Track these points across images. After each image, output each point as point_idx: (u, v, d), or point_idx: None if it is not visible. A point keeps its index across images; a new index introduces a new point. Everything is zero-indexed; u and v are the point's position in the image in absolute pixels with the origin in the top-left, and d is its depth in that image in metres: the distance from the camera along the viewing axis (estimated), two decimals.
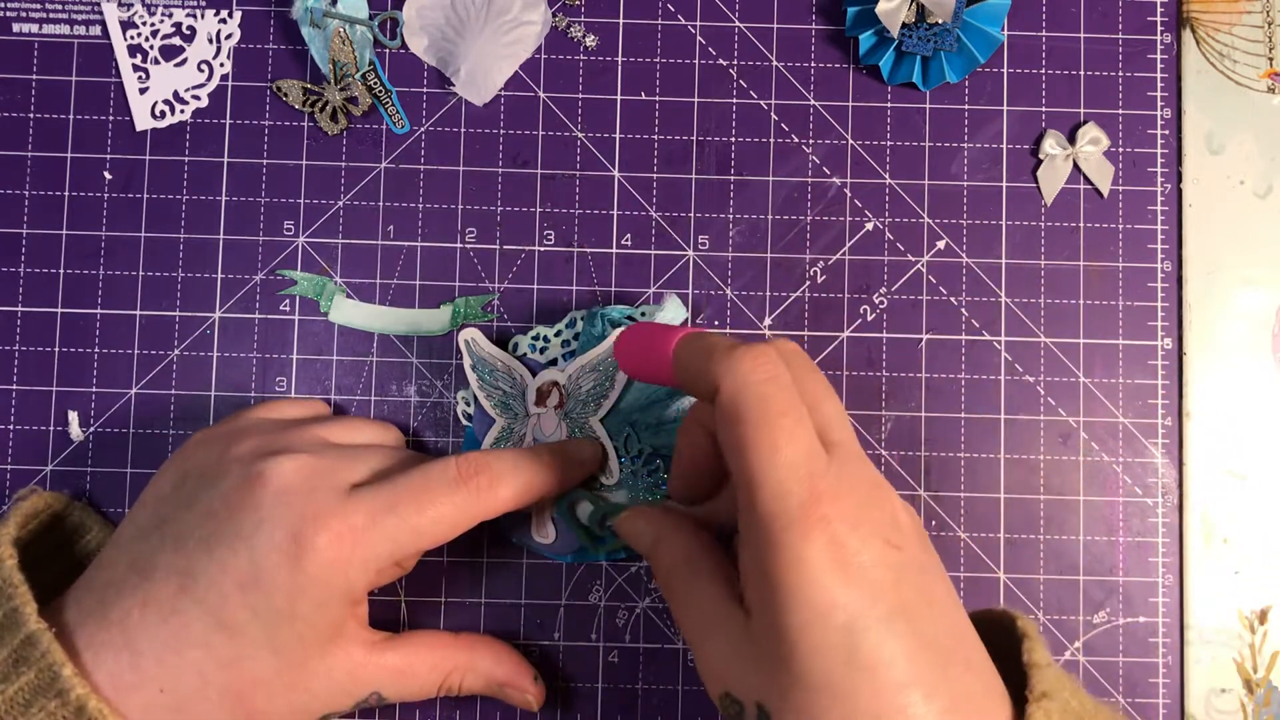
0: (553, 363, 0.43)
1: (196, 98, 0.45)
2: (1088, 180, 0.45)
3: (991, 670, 0.31)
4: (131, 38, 0.45)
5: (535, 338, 0.43)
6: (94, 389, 0.44)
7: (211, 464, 0.37)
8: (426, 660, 0.39)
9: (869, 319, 0.45)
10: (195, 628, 0.34)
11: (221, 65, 0.45)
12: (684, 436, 0.37)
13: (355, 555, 0.34)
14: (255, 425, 0.40)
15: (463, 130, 0.45)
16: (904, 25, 0.44)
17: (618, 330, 0.41)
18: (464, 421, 0.43)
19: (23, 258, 0.44)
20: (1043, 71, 0.45)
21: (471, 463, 0.37)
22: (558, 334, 0.43)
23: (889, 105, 0.45)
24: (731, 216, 0.45)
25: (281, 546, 0.34)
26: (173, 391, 0.44)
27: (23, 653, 0.32)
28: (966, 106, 0.45)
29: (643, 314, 0.43)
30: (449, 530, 0.36)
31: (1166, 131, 0.45)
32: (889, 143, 0.45)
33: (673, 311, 0.42)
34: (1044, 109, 0.45)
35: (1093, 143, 0.45)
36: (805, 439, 0.30)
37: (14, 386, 0.44)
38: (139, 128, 0.45)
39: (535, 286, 0.45)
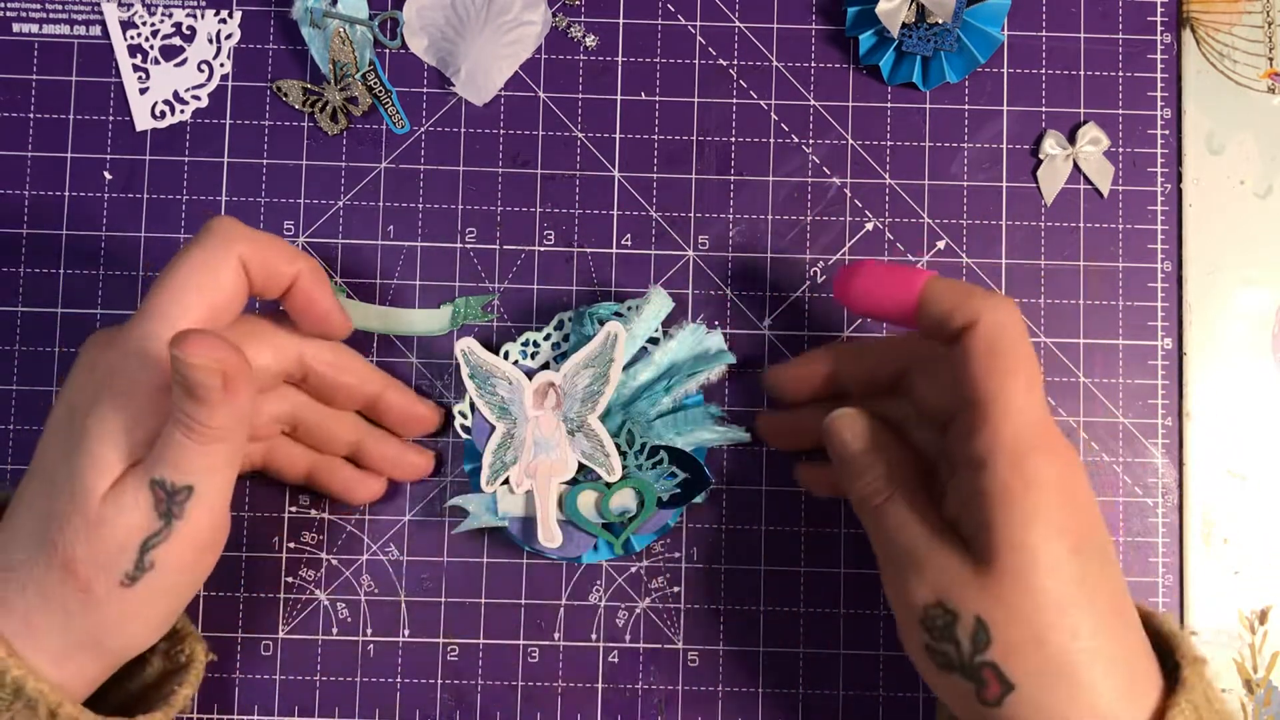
0: (545, 366, 0.43)
1: (196, 98, 0.45)
2: (1088, 180, 0.45)
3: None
4: (131, 38, 0.45)
5: (525, 343, 0.43)
6: None
7: None
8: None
9: (869, 319, 0.45)
10: (26, 495, 0.35)
11: (221, 65, 0.45)
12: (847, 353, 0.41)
13: (129, 348, 0.35)
14: None
15: (463, 130, 0.45)
16: (904, 25, 0.44)
17: (610, 326, 0.41)
18: (462, 435, 0.43)
19: (23, 258, 0.44)
20: (1043, 71, 0.45)
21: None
22: (547, 337, 0.43)
23: (889, 105, 0.45)
24: (731, 216, 0.45)
25: (73, 377, 0.36)
26: None
27: None
28: (966, 106, 0.45)
29: (629, 308, 0.43)
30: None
31: (1166, 131, 0.45)
32: (889, 143, 0.45)
33: (658, 304, 0.42)
34: (1044, 109, 0.45)
35: (1093, 143, 0.45)
36: (1042, 383, 0.34)
37: (14, 386, 0.44)
38: (139, 128, 0.45)
39: (535, 286, 0.45)
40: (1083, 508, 0.33)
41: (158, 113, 0.45)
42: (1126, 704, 0.32)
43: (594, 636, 0.44)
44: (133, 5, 0.45)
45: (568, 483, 0.42)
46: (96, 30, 0.45)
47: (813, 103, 0.45)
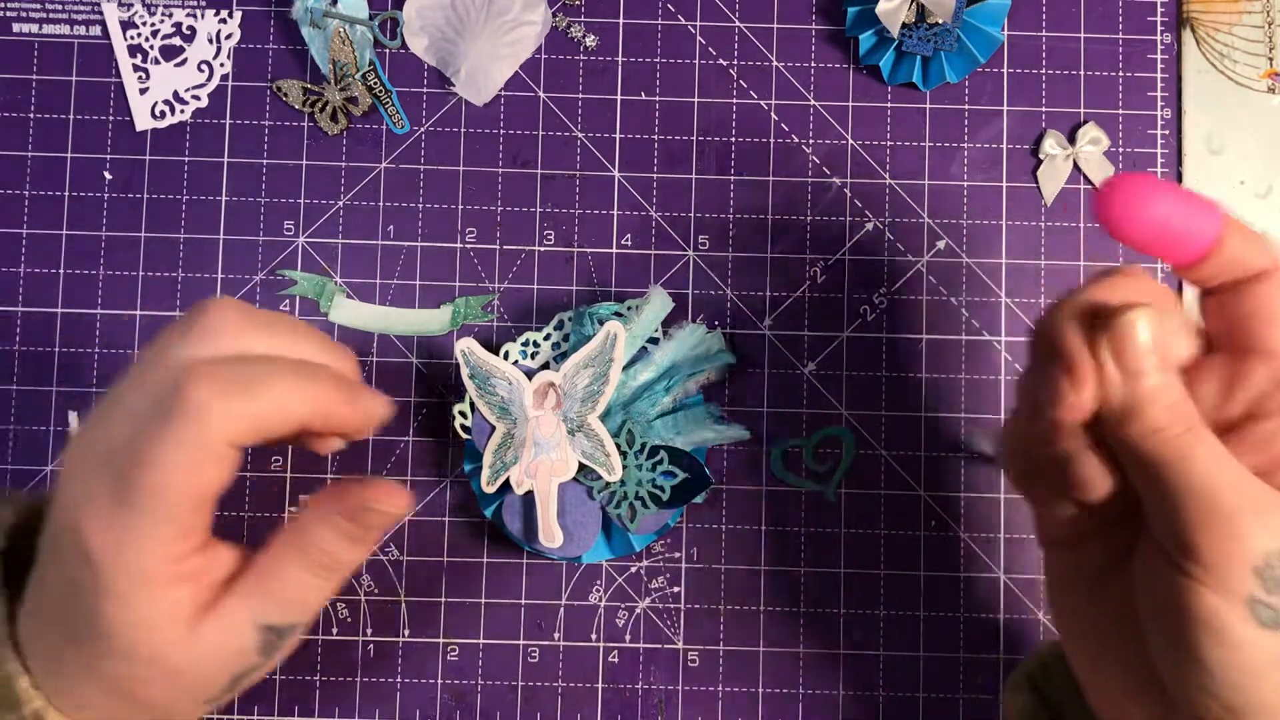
0: (545, 366, 0.43)
1: (196, 98, 0.45)
2: (1088, 180, 0.45)
3: None
4: (131, 38, 0.45)
5: (525, 343, 0.43)
6: (94, 389, 0.44)
7: None
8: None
9: (869, 319, 0.45)
10: (56, 620, 0.30)
11: (221, 65, 0.45)
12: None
13: (123, 542, 0.29)
14: None
15: (463, 130, 0.45)
16: (904, 25, 0.44)
17: (609, 325, 0.41)
18: (462, 435, 0.43)
19: (23, 258, 0.44)
20: (1043, 71, 0.45)
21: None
22: (547, 337, 0.43)
23: (889, 105, 0.45)
24: (731, 216, 0.45)
25: (63, 551, 0.30)
26: None
27: None
28: (966, 106, 0.45)
29: (629, 308, 0.43)
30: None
31: (1166, 131, 0.45)
32: (889, 143, 0.45)
33: (658, 304, 0.42)
34: (1044, 109, 0.45)
35: (1093, 143, 0.45)
36: None
37: (14, 386, 0.44)
38: (139, 128, 0.45)
39: (535, 286, 0.45)
40: None
41: (158, 113, 0.45)
42: None
43: (594, 636, 0.44)
44: (133, 5, 0.45)
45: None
46: (96, 30, 0.45)
47: (813, 103, 0.45)
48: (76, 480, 0.29)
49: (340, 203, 0.45)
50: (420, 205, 0.45)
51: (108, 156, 0.45)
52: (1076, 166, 0.45)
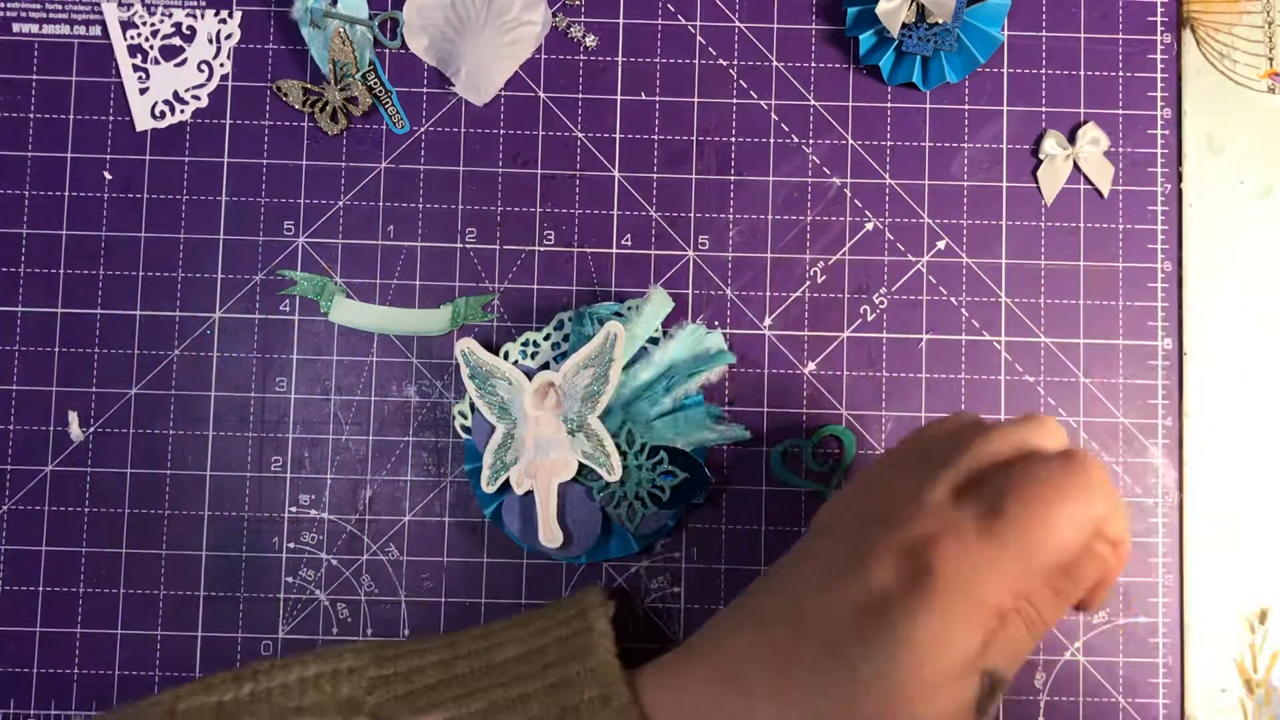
0: (545, 366, 0.43)
1: (196, 98, 0.45)
2: (1088, 180, 0.45)
3: None
4: (131, 38, 0.45)
5: (525, 343, 0.43)
6: (94, 389, 0.44)
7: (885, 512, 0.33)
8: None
9: (869, 319, 0.45)
10: (806, 660, 0.31)
11: (221, 65, 0.45)
12: None
13: (986, 574, 0.30)
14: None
15: (463, 130, 0.45)
16: (904, 25, 0.44)
17: (609, 325, 0.41)
18: (462, 435, 0.43)
19: (23, 258, 0.44)
20: (1043, 71, 0.45)
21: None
22: (547, 337, 0.43)
23: (889, 105, 0.45)
24: (731, 216, 0.45)
25: (878, 565, 0.31)
26: (173, 392, 0.44)
27: None
28: (966, 106, 0.45)
29: (629, 308, 0.43)
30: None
31: (1166, 131, 0.45)
32: (889, 143, 0.45)
33: (658, 304, 0.42)
34: (1044, 109, 0.45)
35: (1093, 143, 0.45)
36: None
37: (14, 386, 0.44)
38: (139, 128, 0.45)
39: (535, 286, 0.45)
40: None
41: (158, 113, 0.45)
42: None
43: None
44: (133, 5, 0.45)
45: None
46: (96, 30, 0.45)
47: (813, 103, 0.45)
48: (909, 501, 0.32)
49: (340, 203, 0.45)
50: (420, 205, 0.45)
51: (108, 156, 0.45)
52: (1076, 166, 0.45)
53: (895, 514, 0.32)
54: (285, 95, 0.45)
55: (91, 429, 0.44)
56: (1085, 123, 0.45)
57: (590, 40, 0.45)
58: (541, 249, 0.45)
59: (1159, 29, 0.46)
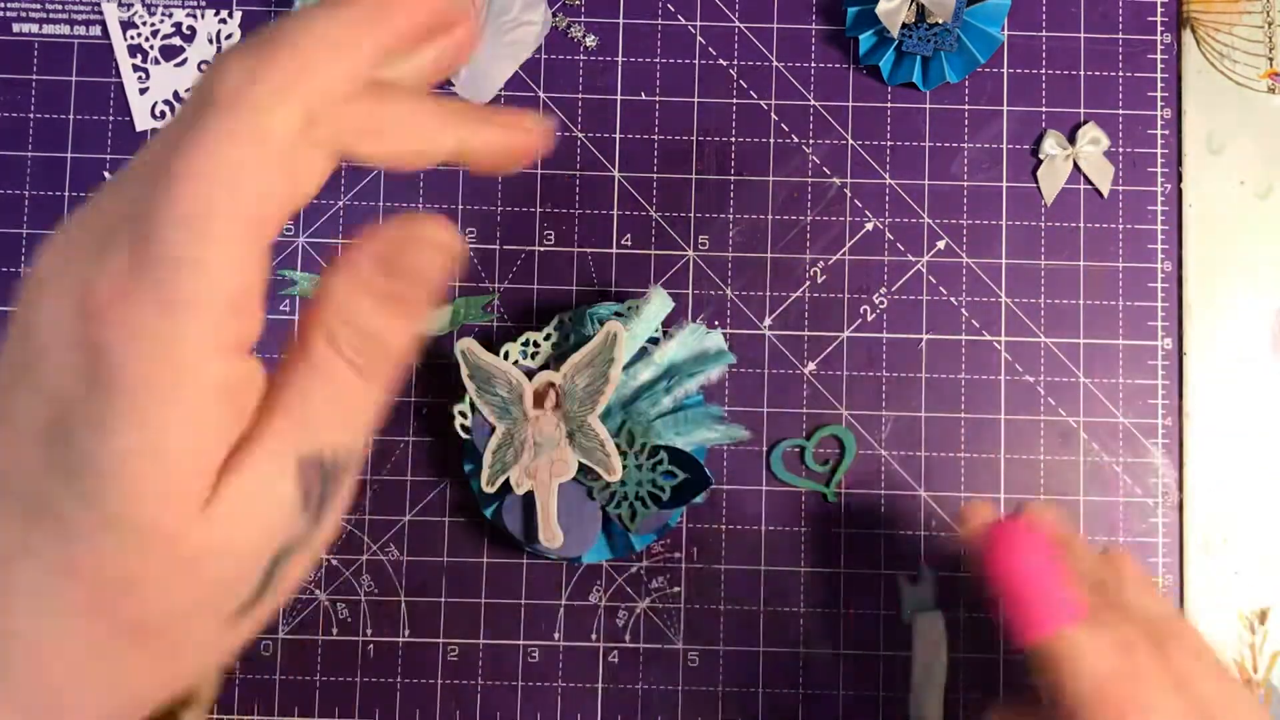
0: (545, 366, 0.43)
1: None
2: (1088, 180, 0.45)
3: None
4: (131, 38, 0.45)
5: (525, 343, 0.43)
6: None
7: None
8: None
9: (869, 319, 0.45)
10: (9, 536, 0.20)
11: None
12: None
13: (157, 331, 0.19)
14: None
15: None
16: (904, 25, 0.44)
17: (609, 325, 0.41)
18: (462, 435, 0.43)
19: (23, 258, 0.44)
20: (1043, 71, 0.45)
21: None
22: (547, 337, 0.43)
23: (889, 105, 0.45)
24: (731, 216, 0.45)
25: (53, 354, 0.20)
26: None
27: None
28: (966, 106, 0.45)
29: (629, 308, 0.43)
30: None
31: (1166, 131, 0.45)
32: (889, 143, 0.45)
33: (658, 304, 0.42)
34: (1044, 109, 0.45)
35: (1093, 143, 0.45)
36: None
37: None
38: (139, 128, 0.45)
39: (535, 286, 0.45)
40: None
41: (158, 113, 0.45)
42: None
43: (594, 636, 0.44)
44: (133, 5, 0.45)
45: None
46: (96, 30, 0.45)
47: (813, 103, 0.45)
48: (74, 260, 0.20)
49: (340, 203, 0.45)
50: (420, 205, 0.45)
51: (108, 156, 0.45)
52: (1076, 166, 0.45)
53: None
54: None
55: None
56: (1085, 123, 0.45)
57: (590, 40, 0.45)
58: (541, 249, 0.45)
59: (1159, 29, 0.46)
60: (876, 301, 0.45)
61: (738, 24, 0.46)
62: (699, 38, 0.45)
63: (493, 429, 0.42)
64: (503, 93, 0.45)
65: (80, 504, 0.20)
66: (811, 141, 0.45)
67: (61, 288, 0.20)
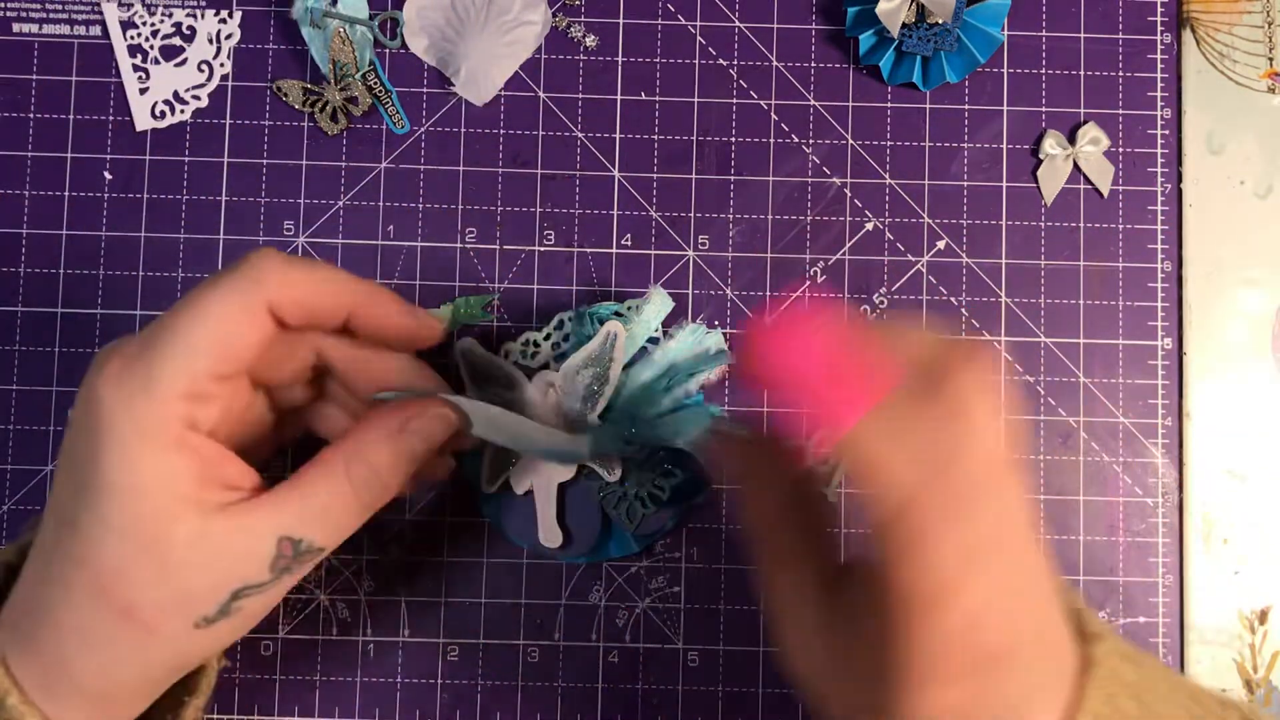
0: (545, 366, 0.43)
1: (196, 98, 0.45)
2: (1088, 180, 0.45)
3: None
4: (131, 38, 0.45)
5: (525, 343, 0.43)
6: None
7: None
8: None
9: (869, 319, 0.45)
10: (48, 539, 0.30)
11: (221, 65, 0.45)
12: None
13: (135, 386, 0.29)
14: None
15: (463, 130, 0.45)
16: (904, 25, 0.44)
17: (609, 325, 0.41)
18: None
19: (23, 258, 0.44)
20: (1043, 71, 0.45)
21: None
22: (547, 337, 0.43)
23: (889, 105, 0.45)
24: (731, 216, 0.45)
25: (75, 417, 0.30)
26: None
27: None
28: (966, 106, 0.45)
29: (629, 308, 0.43)
30: (236, 342, 0.31)
31: (1166, 131, 0.45)
32: (889, 143, 0.45)
33: (658, 304, 0.42)
34: (1044, 109, 0.45)
35: (1093, 143, 0.45)
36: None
37: (14, 386, 0.44)
38: (139, 128, 0.45)
39: (535, 286, 0.45)
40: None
41: (158, 113, 0.45)
42: None
43: (594, 636, 0.44)
44: (133, 5, 0.45)
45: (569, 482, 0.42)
46: (96, 30, 0.45)
47: (813, 103, 0.45)
48: (103, 369, 0.30)
49: (340, 203, 0.45)
50: (420, 205, 0.45)
51: (108, 156, 0.45)
52: (1076, 166, 0.45)
53: None
54: (285, 95, 0.45)
55: None
56: (1085, 123, 0.45)
57: (590, 40, 0.45)
58: (541, 249, 0.45)
59: (1159, 29, 0.46)
60: (876, 301, 0.45)
61: (738, 24, 0.46)
62: (699, 38, 0.45)
63: None
64: (503, 93, 0.45)
65: (85, 511, 0.29)
66: (811, 141, 0.45)
67: (85, 391, 0.31)
